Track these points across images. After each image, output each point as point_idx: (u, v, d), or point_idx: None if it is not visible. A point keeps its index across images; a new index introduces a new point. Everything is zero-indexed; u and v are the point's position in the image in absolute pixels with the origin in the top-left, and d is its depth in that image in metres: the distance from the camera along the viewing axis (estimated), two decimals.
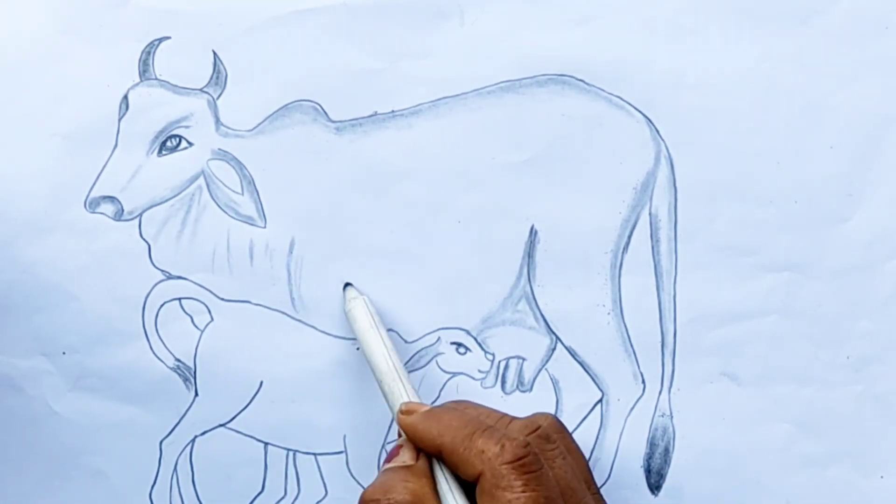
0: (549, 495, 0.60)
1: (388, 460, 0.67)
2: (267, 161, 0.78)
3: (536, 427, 0.65)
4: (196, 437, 0.78)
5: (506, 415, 0.67)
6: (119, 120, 0.77)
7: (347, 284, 0.77)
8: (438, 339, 0.78)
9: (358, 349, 0.76)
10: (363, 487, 0.78)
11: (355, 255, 0.78)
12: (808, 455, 0.78)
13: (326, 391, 0.78)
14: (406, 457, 0.66)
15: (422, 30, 0.77)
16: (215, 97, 0.77)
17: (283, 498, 0.79)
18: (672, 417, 0.78)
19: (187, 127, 0.77)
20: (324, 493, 0.79)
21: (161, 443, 0.78)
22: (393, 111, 0.77)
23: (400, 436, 0.68)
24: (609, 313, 0.78)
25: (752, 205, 0.77)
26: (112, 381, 0.78)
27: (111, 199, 0.77)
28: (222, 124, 0.78)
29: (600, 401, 0.79)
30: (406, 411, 0.67)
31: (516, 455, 0.61)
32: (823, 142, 0.77)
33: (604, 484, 0.79)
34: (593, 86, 0.77)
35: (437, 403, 0.78)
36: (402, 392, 0.69)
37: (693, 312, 0.78)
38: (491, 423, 0.64)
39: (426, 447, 0.65)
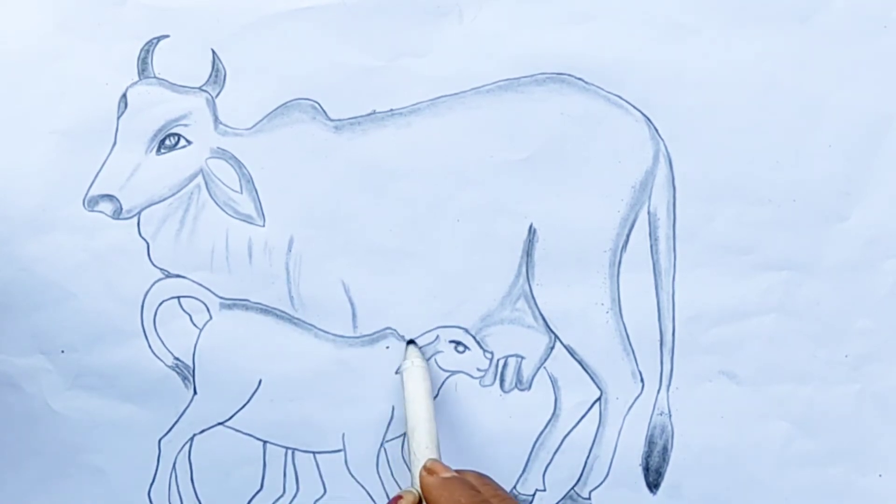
0: None
1: None
2: (266, 159, 0.78)
3: None
4: (195, 435, 0.78)
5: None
6: (118, 118, 0.77)
7: (411, 342, 0.78)
8: (437, 337, 0.78)
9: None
10: (361, 485, 0.78)
11: (354, 253, 0.78)
12: (806, 453, 0.78)
13: (325, 390, 0.78)
14: None
15: (420, 28, 0.77)
16: (214, 96, 0.77)
17: (281, 496, 0.79)
18: (670, 416, 0.79)
19: (186, 125, 0.77)
20: (322, 491, 0.79)
21: (160, 441, 0.78)
22: (392, 110, 0.77)
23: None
24: (608, 312, 0.78)
25: (751, 203, 0.77)
26: (111, 379, 0.78)
27: (110, 197, 0.77)
28: (221, 123, 0.77)
29: (599, 399, 0.79)
30: (430, 470, 0.69)
31: None
32: (822, 141, 0.77)
33: (602, 482, 0.79)
34: (592, 84, 0.77)
35: (435, 400, 0.78)
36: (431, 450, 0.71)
37: (692, 311, 0.78)
38: None
39: None
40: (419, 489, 0.69)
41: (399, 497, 0.69)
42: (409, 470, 0.72)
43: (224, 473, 0.79)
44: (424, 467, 0.69)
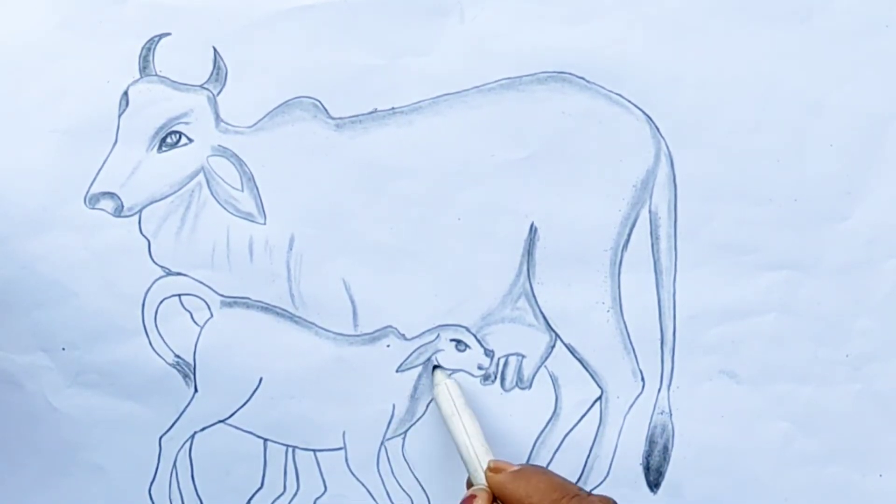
0: None
1: None
2: (267, 158, 0.78)
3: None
4: (195, 433, 0.78)
5: (582, 489, 0.68)
6: (119, 116, 0.77)
7: (436, 367, 0.78)
8: (438, 335, 0.78)
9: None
10: (362, 483, 0.78)
11: (355, 251, 0.78)
12: (806, 453, 0.78)
13: (325, 388, 0.78)
14: None
15: (422, 27, 0.77)
16: (215, 94, 0.77)
17: (282, 494, 0.79)
18: (671, 415, 0.79)
19: (187, 123, 0.77)
20: (323, 489, 0.79)
21: (160, 439, 0.78)
22: (393, 108, 0.77)
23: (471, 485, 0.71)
24: (608, 311, 0.78)
25: (752, 203, 0.77)
26: (111, 376, 0.78)
27: (111, 195, 0.77)
28: (222, 121, 0.77)
29: (599, 398, 0.79)
30: (494, 469, 0.69)
31: None
32: (823, 140, 0.77)
33: (603, 481, 0.79)
34: (594, 83, 0.77)
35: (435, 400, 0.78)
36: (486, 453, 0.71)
37: (692, 310, 0.78)
38: (576, 492, 0.65)
39: None
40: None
41: (473, 497, 0.69)
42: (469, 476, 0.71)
43: (225, 471, 0.79)
44: (489, 468, 0.69)
